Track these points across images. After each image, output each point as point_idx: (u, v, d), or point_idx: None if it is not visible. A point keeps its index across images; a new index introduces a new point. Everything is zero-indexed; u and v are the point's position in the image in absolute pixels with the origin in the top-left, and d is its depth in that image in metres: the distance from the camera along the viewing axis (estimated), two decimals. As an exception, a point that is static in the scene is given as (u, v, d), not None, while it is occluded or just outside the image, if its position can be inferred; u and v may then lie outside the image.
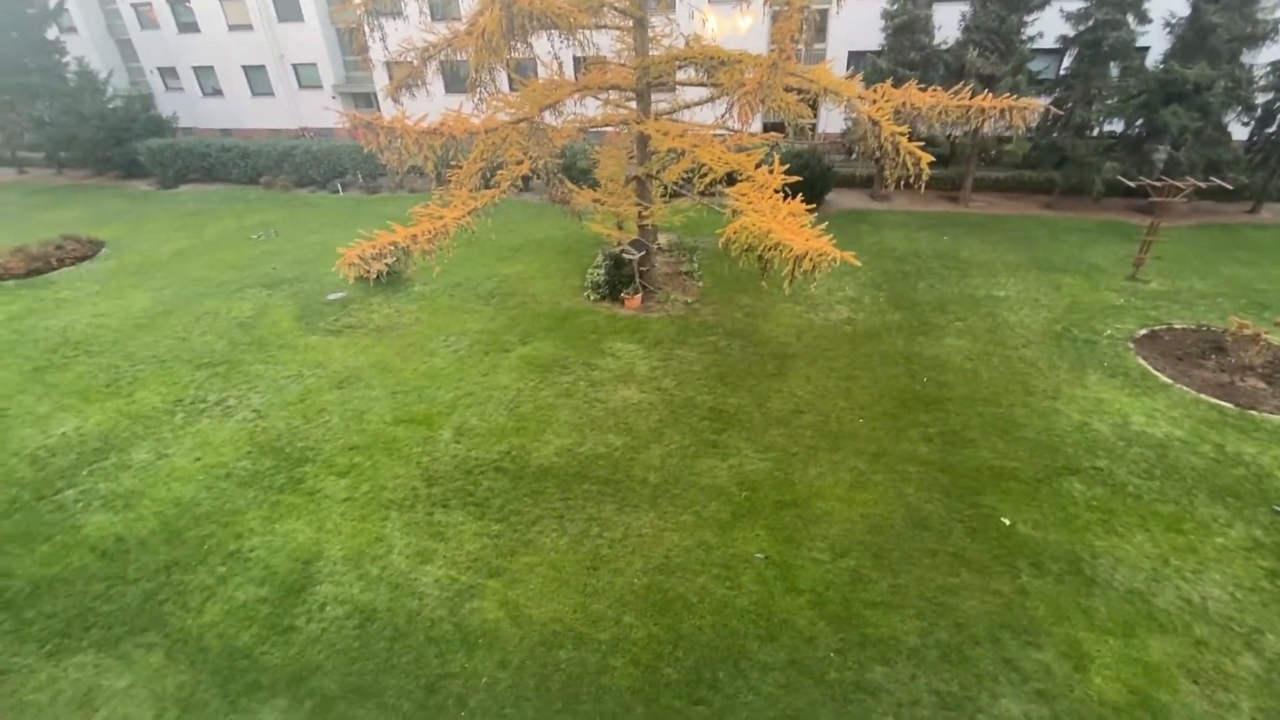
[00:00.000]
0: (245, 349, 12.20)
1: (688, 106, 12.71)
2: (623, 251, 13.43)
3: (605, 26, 12.06)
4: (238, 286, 15.10)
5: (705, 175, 10.33)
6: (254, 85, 30.12)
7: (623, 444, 9.18)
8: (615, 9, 11.66)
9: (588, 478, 8.55)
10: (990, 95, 10.02)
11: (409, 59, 11.04)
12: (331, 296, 14.24)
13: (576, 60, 20.35)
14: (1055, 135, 18.81)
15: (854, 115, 10.24)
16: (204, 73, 30.64)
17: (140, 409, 10.40)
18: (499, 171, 10.70)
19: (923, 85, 10.30)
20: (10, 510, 8.32)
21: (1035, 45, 18.45)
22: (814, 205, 8.77)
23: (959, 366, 11.00)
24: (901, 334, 12.12)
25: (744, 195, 8.71)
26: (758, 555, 7.27)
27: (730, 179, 9.95)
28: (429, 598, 6.85)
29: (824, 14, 21.27)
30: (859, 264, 6.98)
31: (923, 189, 9.39)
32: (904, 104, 9.95)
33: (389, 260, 8.96)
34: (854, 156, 21.53)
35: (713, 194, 11.66)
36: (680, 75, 12.41)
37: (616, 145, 14.49)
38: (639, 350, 11.71)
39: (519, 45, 9.17)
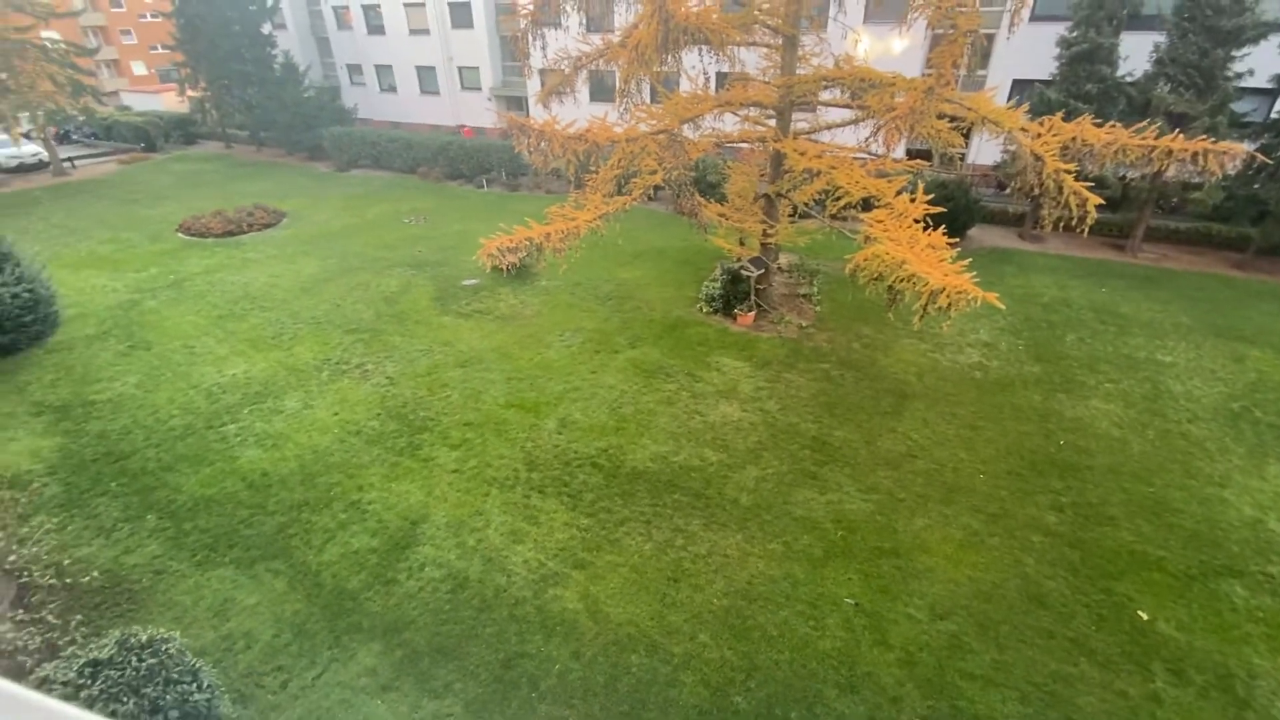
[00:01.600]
0: (387, 320, 13.43)
1: (829, 127, 12.42)
2: (741, 267, 13.33)
3: (755, 44, 12.09)
4: (388, 264, 16.65)
5: (839, 198, 10.04)
6: (423, 84, 33.15)
7: (718, 460, 9.11)
8: (767, 27, 11.65)
9: (679, 488, 8.56)
10: (1182, 136, 8.91)
11: (562, 67, 11.68)
12: (466, 282, 15.32)
13: (720, 76, 20.52)
14: (1257, 186, 16.35)
15: (1014, 148, 9.54)
16: (384, 70, 34.17)
17: (296, 362, 11.76)
18: (633, 179, 11.03)
19: (1098, 120, 9.38)
20: (186, 434, 9.72)
21: (1242, 84, 16.17)
22: (955, 239, 8.26)
23: (1105, 433, 9.85)
24: (1039, 388, 11.05)
25: (880, 222, 8.37)
26: (848, 600, 6.92)
27: (866, 204, 9.59)
28: (516, 577, 7.16)
29: (990, 38, 19.95)
30: (1002, 306, 6.46)
31: (1085, 233, 8.54)
32: (1074, 140, 9.11)
33: (522, 254, 9.53)
34: (1006, 191, 19.97)
35: (845, 218, 11.29)
36: (825, 95, 12.16)
37: (749, 161, 14.43)
38: (745, 368, 11.56)
39: (668, 59, 9.42)
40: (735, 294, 13.56)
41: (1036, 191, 9.12)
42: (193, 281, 15.57)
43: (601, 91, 25.46)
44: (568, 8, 10.83)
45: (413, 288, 15.11)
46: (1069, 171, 8.56)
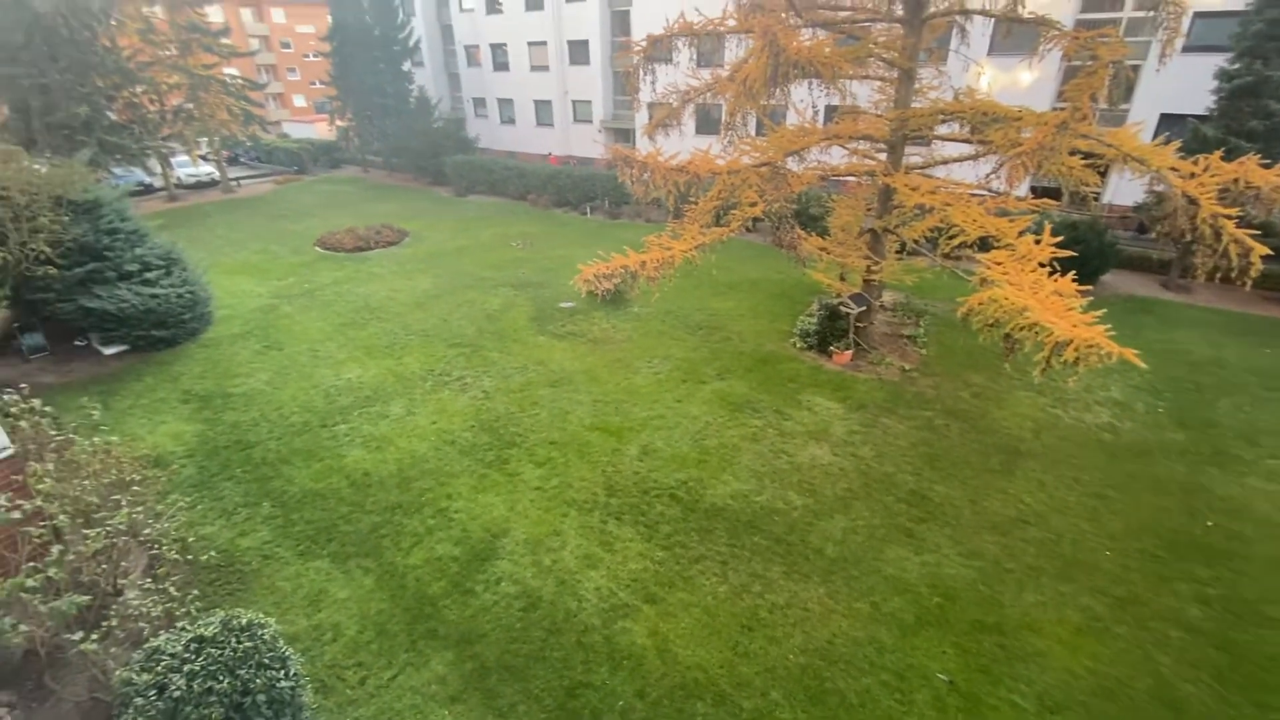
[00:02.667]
0: (488, 337, 14.08)
1: (944, 162, 11.81)
2: (841, 303, 12.83)
3: (868, 77, 11.79)
4: (493, 284, 17.53)
5: (953, 236, 9.44)
6: (540, 116, 35.09)
7: (803, 505, 8.67)
8: (883, 60, 11.33)
9: (759, 530, 8.21)
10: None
11: (670, 101, 11.91)
12: (563, 304, 15.81)
13: (829, 109, 20.16)
14: None
15: (1161, 188, 8.59)
16: (505, 104, 36.55)
17: (404, 370, 12.55)
18: (732, 211, 10.97)
19: (1265, 160, 8.27)
20: (303, 430, 10.57)
21: None
22: (1086, 286, 7.50)
23: (1266, 518, 8.45)
24: (1183, 459, 9.70)
25: (999, 264, 7.76)
26: (941, 676, 6.28)
27: (984, 244, 8.95)
28: (587, 603, 7.11)
29: (1136, 70, 18.31)
30: (1142, 365, 5.74)
31: (1246, 285, 7.49)
32: (1236, 181, 8.08)
33: (617, 281, 9.69)
34: (1149, 235, 18.04)
35: (958, 258, 10.61)
36: (942, 129, 11.59)
37: (855, 195, 13.97)
38: (839, 409, 11.02)
39: (776, 92, 9.35)
40: (832, 331, 13.05)
41: (1188, 237, 8.13)
42: (323, 291, 17.13)
43: (707, 124, 25.75)
44: (679, 44, 11.07)
45: (513, 307, 15.78)
46: (1229, 216, 7.56)
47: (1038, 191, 18.50)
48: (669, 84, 11.62)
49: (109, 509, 6.28)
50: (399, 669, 6.37)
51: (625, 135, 32.11)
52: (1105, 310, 7.26)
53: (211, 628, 4.99)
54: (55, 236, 11.32)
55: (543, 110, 34.74)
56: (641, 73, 11.48)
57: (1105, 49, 8.85)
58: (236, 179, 34.37)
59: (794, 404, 11.20)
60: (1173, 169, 8.45)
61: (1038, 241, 7.89)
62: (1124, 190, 19.16)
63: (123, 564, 6.27)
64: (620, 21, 30.30)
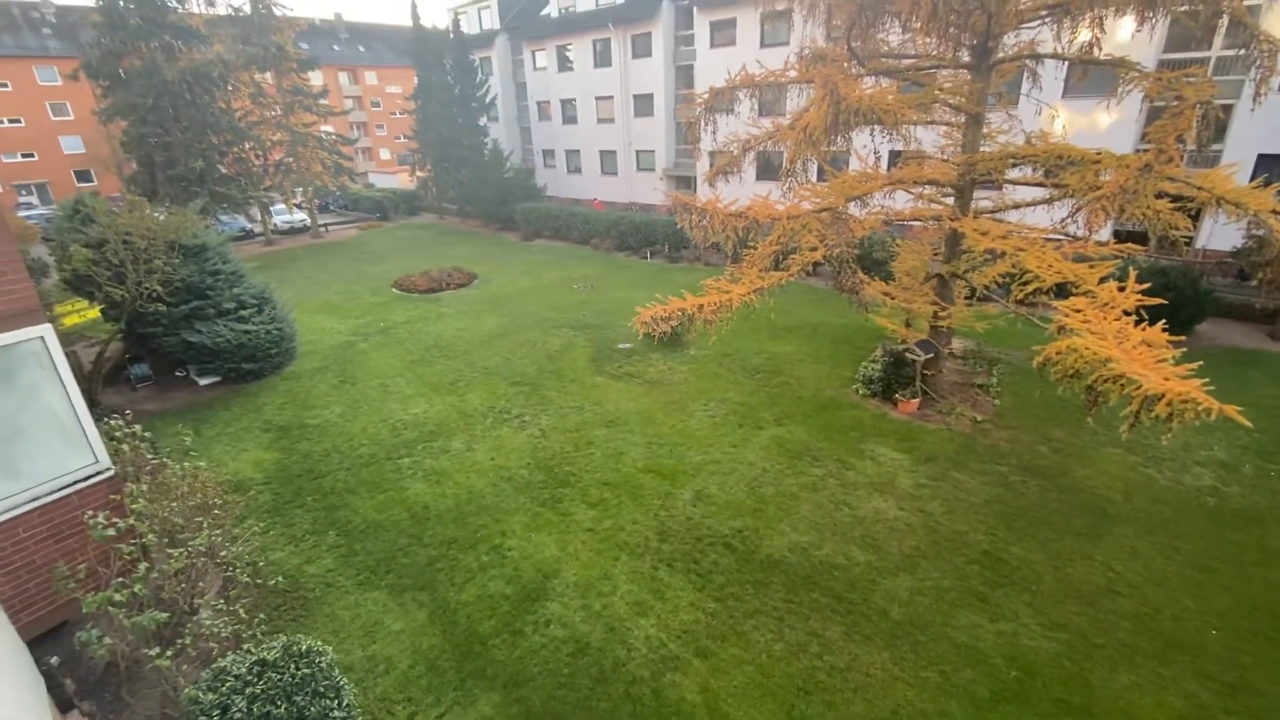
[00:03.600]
0: (548, 376, 14.37)
1: (1016, 206, 11.41)
2: (907, 350, 12.40)
3: (933, 122, 11.66)
4: (555, 325, 18.00)
5: (1027, 283, 9.03)
6: (604, 166, 36.44)
7: (866, 561, 8.24)
8: (949, 105, 11.20)
9: (818, 586, 7.84)
10: None
11: (731, 149, 12.13)
12: (621, 346, 16.01)
13: (893, 153, 20.03)
14: None
15: (1261, 233, 7.97)
16: (572, 154, 38.20)
17: (466, 407, 12.94)
18: (791, 255, 10.92)
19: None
20: (370, 462, 11.00)
21: None
22: (1180, 336, 6.97)
23: None
24: (1305, 530, 8.67)
25: (1078, 311, 7.35)
26: (1020, 758, 5.71)
27: (1061, 291, 8.51)
28: (636, 653, 6.93)
29: (1228, 109, 17.33)
30: (1247, 423, 5.25)
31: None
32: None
33: (674, 323, 9.75)
34: (1251, 282, 16.69)
35: (1034, 304, 10.11)
36: (1013, 173, 11.25)
37: (921, 240, 13.66)
38: (905, 461, 10.53)
39: (838, 139, 9.38)
40: (898, 378, 12.60)
41: (1298, 285, 7.47)
42: (396, 329, 18.05)
43: (768, 170, 26.01)
44: (740, 95, 11.33)
45: (573, 347, 16.10)
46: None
47: (1121, 236, 17.54)
48: (730, 133, 11.86)
49: (192, 530, 6.69)
50: (446, 707, 6.36)
51: (686, 182, 32.81)
52: (1202, 362, 6.72)
53: (274, 652, 5.16)
54: (167, 277, 12.48)
55: (607, 160, 36.07)
56: (703, 123, 11.79)
57: (1191, 89, 8.43)
58: (325, 225, 37.17)
59: (857, 453, 10.79)
60: (1274, 212, 7.85)
61: (1121, 288, 7.44)
62: (1220, 235, 17.92)
63: (200, 584, 6.62)
64: (684, 75, 31.38)
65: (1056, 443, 10.96)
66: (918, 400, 12.25)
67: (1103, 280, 8.06)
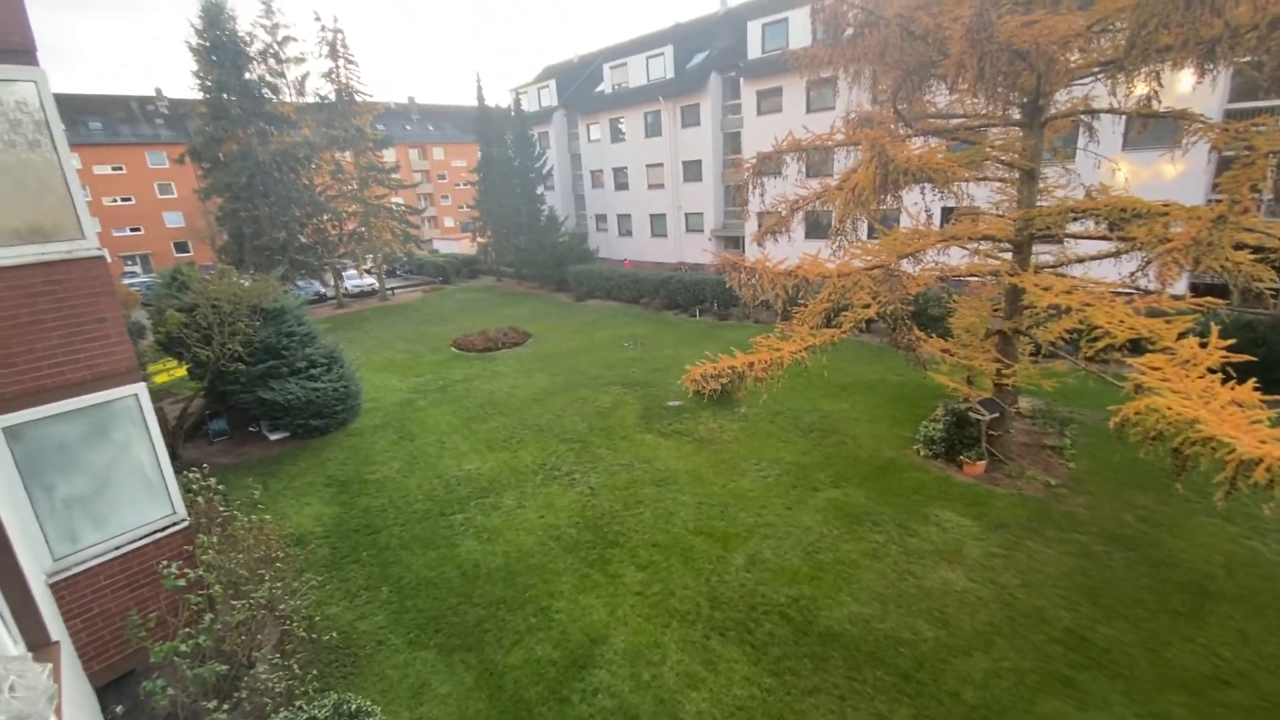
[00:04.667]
0: (597, 433, 14.44)
1: (1080, 260, 11.02)
2: (970, 409, 11.89)
3: (985, 179, 11.56)
4: (605, 382, 18.20)
5: (1097, 339, 8.60)
6: (654, 228, 37.51)
7: (934, 637, 7.67)
8: (1001, 162, 11.12)
9: (883, 663, 7.32)
10: None
11: (779, 210, 12.32)
12: (670, 403, 15.99)
13: (945, 210, 19.82)
14: None
15: (1363, 284, 7.42)
16: (624, 218, 39.57)
17: (518, 464, 13.08)
18: (843, 312, 10.82)
19: None
20: (423, 517, 11.18)
21: None
22: (1275, 396, 6.45)
23: None
24: None
25: (1157, 369, 6.93)
26: None
27: (1135, 346, 8.07)
28: (687, 728, 6.58)
29: (1311, 156, 16.46)
30: (1364, 493, 4.74)
31: None
32: None
33: (724, 381, 9.72)
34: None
35: (1105, 361, 9.61)
36: (1074, 227, 10.94)
37: (979, 295, 13.29)
38: (973, 527, 9.91)
39: (887, 199, 9.40)
40: (961, 438, 12.03)
41: None
42: (454, 387, 18.64)
43: (817, 229, 26.10)
44: (787, 159, 11.59)
45: (623, 405, 16.18)
46: None
47: (1199, 289, 16.60)
48: (778, 194, 12.07)
49: (254, 582, 6.90)
50: (491, 778, 6.16)
51: (735, 242, 33.29)
52: (1305, 424, 6.16)
53: (324, 710, 5.18)
54: (248, 338, 13.42)
55: (657, 222, 37.14)
56: (751, 186, 12.06)
57: (1263, 139, 8.11)
58: (392, 288, 39.38)
59: (920, 518, 10.25)
60: (1374, 262, 7.31)
61: (1203, 344, 7.00)
62: (1315, 286, 16.69)
63: (258, 637, 6.77)
64: (731, 141, 32.40)
65: (1142, 510, 10.12)
66: (984, 462, 11.63)
67: (1181, 336, 7.60)
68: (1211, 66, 7.92)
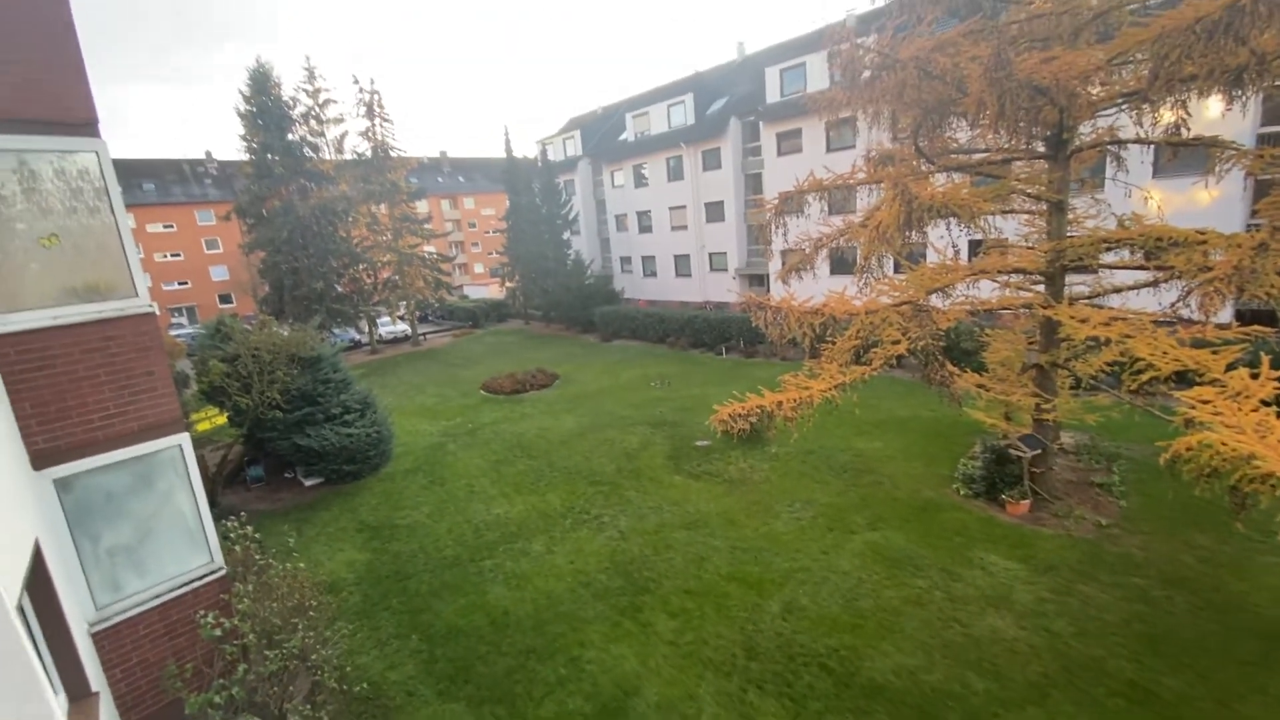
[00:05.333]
0: (625, 475, 14.33)
1: (1116, 290, 10.76)
2: (1010, 445, 11.50)
3: (1012, 212, 11.48)
4: (632, 422, 18.16)
5: (1140, 371, 8.32)
6: (678, 269, 37.91)
7: (985, 690, 7.26)
8: (1027, 195, 11.04)
9: (931, 718, 6.93)
10: None
11: (803, 248, 12.37)
12: (699, 443, 15.84)
13: (973, 243, 19.65)
14: None
15: None
16: (648, 260, 40.13)
17: (546, 507, 13.02)
18: (873, 349, 10.69)
19: None
20: (453, 564, 11.14)
21: None
22: (1340, 429, 6.11)
23: None
24: None
25: (1207, 402, 6.65)
26: None
27: (1182, 379, 7.77)
28: (725, 787, 6.29)
29: (1355, 178, 15.96)
30: None
31: None
32: None
33: (753, 420, 9.62)
34: None
35: (1151, 393, 9.25)
36: (1108, 257, 10.72)
37: (1013, 328, 13.02)
38: (1021, 571, 9.46)
39: (912, 235, 9.38)
40: (1002, 476, 11.62)
41: None
42: (483, 430, 18.79)
43: (841, 266, 26.06)
44: (809, 199, 11.70)
45: (650, 445, 16.08)
46: None
47: (1245, 317, 15.99)
48: (801, 232, 12.14)
49: (288, 632, 6.92)
50: (522, 840, 5.93)
51: (759, 280, 33.39)
52: (1375, 458, 5.80)
53: (354, 765, 5.09)
54: (286, 386, 13.81)
55: (681, 263, 37.56)
56: (774, 226, 12.16)
57: (1301, 163, 7.93)
58: (424, 333, 40.31)
59: (964, 562, 9.84)
60: None
61: (1254, 375, 6.71)
62: (1372, 310, 15.95)
63: (290, 688, 6.75)
64: (753, 182, 32.87)
65: (1202, 551, 9.56)
66: (1028, 501, 11.18)
67: (1230, 367, 7.31)
68: (1240, 93, 7.83)
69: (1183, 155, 10.63)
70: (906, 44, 10.00)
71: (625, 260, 42.33)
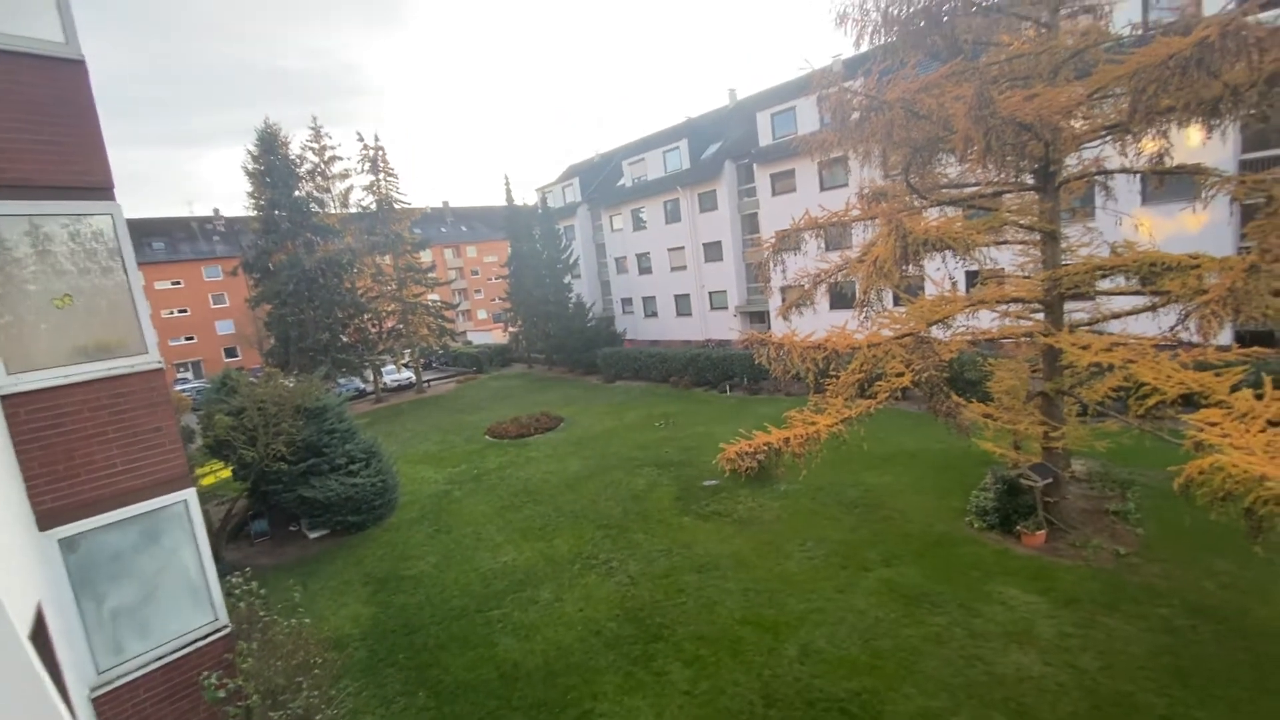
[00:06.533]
0: (633, 518, 14.15)
1: (1115, 316, 10.83)
2: (1021, 475, 11.38)
3: (1006, 242, 11.65)
4: (638, 463, 18.03)
5: (1146, 395, 8.31)
6: (679, 308, 38.28)
7: (1014, 730, 7.00)
8: (1020, 225, 11.24)
9: (959, 762, 6.67)
10: None
11: (802, 284, 12.52)
12: (707, 483, 15.69)
13: (969, 274, 19.86)
14: None
15: None
16: (649, 300, 40.56)
17: (554, 553, 12.82)
18: (877, 382, 10.70)
19: None
20: (460, 615, 10.91)
21: None
22: (1350, 448, 6.06)
23: None
24: None
25: (1215, 425, 6.62)
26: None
27: (1189, 402, 7.76)
28: (748, 846, 6.01)
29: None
30: None
31: None
32: None
33: (760, 458, 9.56)
34: None
35: (1159, 418, 9.20)
36: (1104, 284, 10.83)
37: (1015, 357, 13.04)
38: (1041, 604, 9.24)
39: (909, 268, 9.51)
40: (1016, 507, 11.45)
41: None
42: (488, 476, 18.66)
43: (841, 300, 26.28)
44: (806, 236, 11.91)
45: (657, 487, 15.92)
46: None
47: (1244, 338, 16.02)
48: (799, 269, 12.31)
49: (292, 691, 6.75)
50: None
51: (760, 316, 33.64)
52: (1390, 477, 5.74)
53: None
54: (291, 438, 13.81)
55: (682, 302, 37.95)
56: (772, 264, 12.33)
57: (1284, 187, 8.10)
58: (428, 380, 40.40)
59: (982, 597, 9.61)
60: None
61: (1259, 396, 6.70)
62: (1374, 327, 15.96)
63: (295, 750, 6.54)
64: (749, 222, 33.50)
65: (1224, 577, 9.34)
66: (1044, 532, 10.99)
67: (1234, 388, 7.31)
68: (1218, 123, 8.06)
69: (1169, 183, 10.86)
70: (892, 86, 10.36)
71: (626, 301, 42.78)
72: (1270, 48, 6.61)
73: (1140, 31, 11.48)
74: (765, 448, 9.52)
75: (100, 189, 6.47)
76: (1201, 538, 10.28)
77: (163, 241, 57.73)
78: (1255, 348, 8.71)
